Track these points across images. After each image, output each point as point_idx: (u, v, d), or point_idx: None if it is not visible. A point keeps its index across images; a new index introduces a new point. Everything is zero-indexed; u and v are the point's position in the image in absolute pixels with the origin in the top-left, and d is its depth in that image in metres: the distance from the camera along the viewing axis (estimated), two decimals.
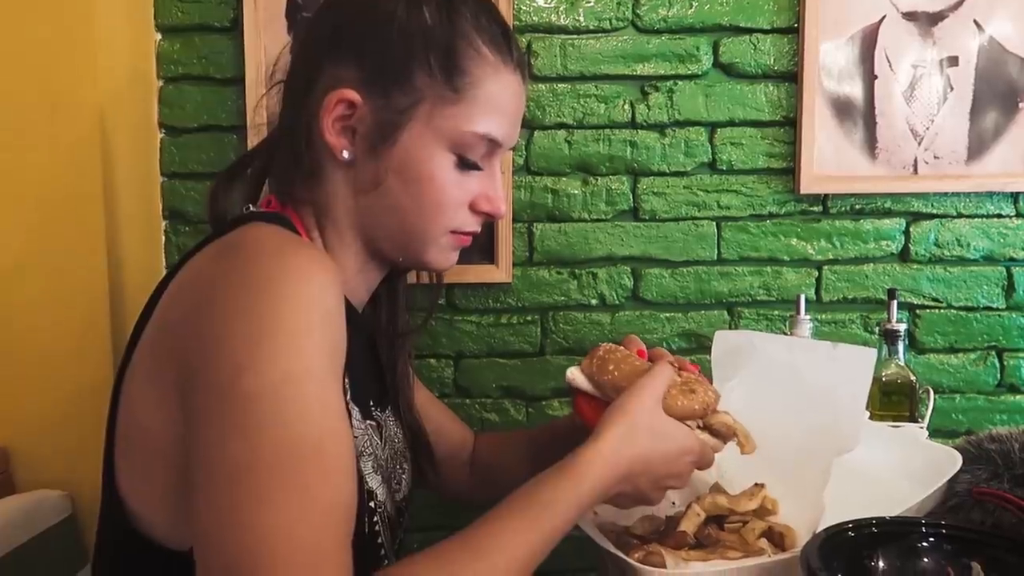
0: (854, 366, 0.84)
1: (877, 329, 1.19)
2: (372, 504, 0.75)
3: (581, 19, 1.33)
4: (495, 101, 0.76)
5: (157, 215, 1.34)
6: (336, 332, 0.63)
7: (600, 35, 1.33)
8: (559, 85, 1.33)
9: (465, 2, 0.76)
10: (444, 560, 0.60)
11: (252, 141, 1.31)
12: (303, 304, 0.60)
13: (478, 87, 0.75)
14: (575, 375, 0.80)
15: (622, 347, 0.82)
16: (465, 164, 0.76)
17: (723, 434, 0.79)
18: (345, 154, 0.75)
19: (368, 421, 0.80)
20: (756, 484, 0.84)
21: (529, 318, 1.37)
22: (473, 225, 0.80)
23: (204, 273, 0.66)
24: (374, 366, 0.88)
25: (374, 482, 0.77)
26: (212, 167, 1.34)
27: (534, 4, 1.33)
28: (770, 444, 0.83)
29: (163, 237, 1.35)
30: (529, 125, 1.33)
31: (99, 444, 1.16)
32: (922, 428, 1.09)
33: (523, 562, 0.63)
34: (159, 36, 1.32)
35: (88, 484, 1.16)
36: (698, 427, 0.77)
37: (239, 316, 0.59)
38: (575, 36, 1.33)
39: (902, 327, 1.15)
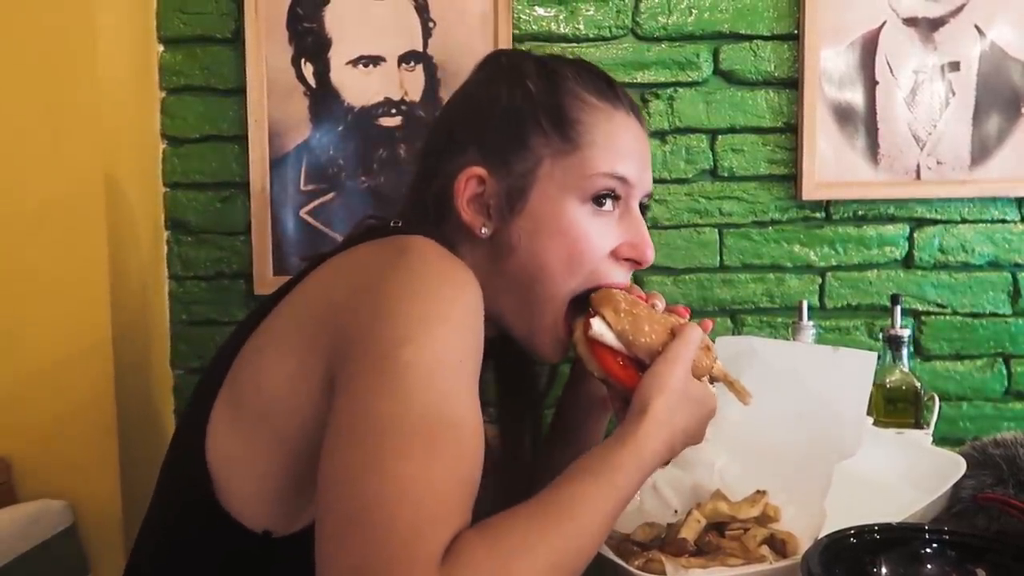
0: (855, 370, 0.83)
1: (881, 335, 1.18)
2: None
3: (581, 27, 1.33)
4: (613, 141, 0.78)
5: (159, 225, 1.35)
6: (481, 341, 0.66)
7: (600, 43, 1.33)
8: None
9: (564, 64, 0.81)
10: (538, 515, 0.61)
11: (253, 151, 1.31)
12: (466, 304, 0.65)
13: (593, 132, 0.78)
14: (602, 330, 0.76)
15: (634, 295, 0.80)
16: (600, 204, 0.77)
17: (719, 380, 0.79)
18: (483, 229, 0.77)
19: None
20: (758, 491, 0.83)
21: None
22: (619, 275, 0.79)
23: (373, 262, 0.69)
24: None
25: None
26: (214, 177, 1.34)
27: (534, 13, 1.33)
28: (772, 450, 0.82)
29: (165, 247, 1.35)
30: None
31: (102, 455, 1.17)
32: (927, 435, 1.08)
33: (606, 523, 0.64)
34: (161, 47, 1.33)
35: (90, 494, 1.16)
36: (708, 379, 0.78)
37: (410, 298, 0.63)
38: (575, 44, 1.33)
39: (906, 333, 1.14)
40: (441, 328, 0.62)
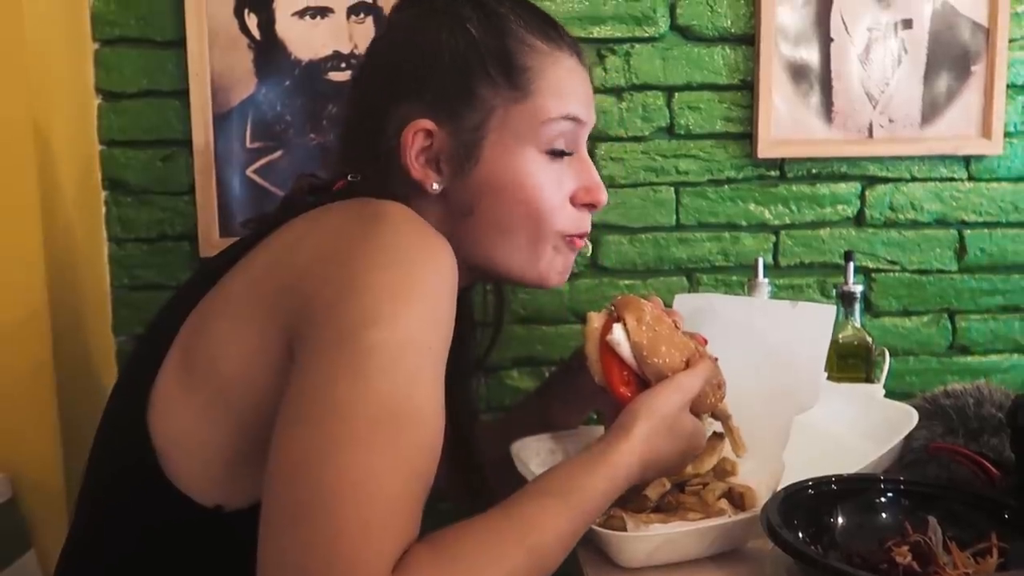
0: (813, 323, 0.84)
1: (834, 292, 1.20)
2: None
3: None
4: (563, 84, 0.76)
5: (96, 185, 1.28)
6: (452, 317, 0.64)
7: None
8: None
9: (502, 4, 0.77)
10: (494, 531, 0.59)
11: (195, 106, 1.25)
12: (436, 281, 0.62)
13: (542, 77, 0.75)
14: (620, 339, 0.74)
15: (665, 312, 0.78)
16: (556, 153, 0.76)
17: (718, 418, 0.79)
18: (435, 185, 0.74)
19: None
20: (715, 433, 0.83)
21: (486, 286, 1.34)
22: (582, 223, 0.78)
23: (343, 228, 0.65)
24: None
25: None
26: (154, 134, 1.28)
27: None
28: (731, 405, 0.83)
29: (103, 208, 1.29)
30: None
31: (41, 425, 1.12)
32: (879, 388, 1.10)
33: (564, 545, 0.63)
34: None
35: (29, 466, 1.11)
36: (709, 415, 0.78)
37: (380, 273, 0.60)
38: None
39: (858, 289, 1.16)
40: (411, 309, 0.59)
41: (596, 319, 0.76)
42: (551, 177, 0.76)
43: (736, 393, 0.82)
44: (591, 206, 0.79)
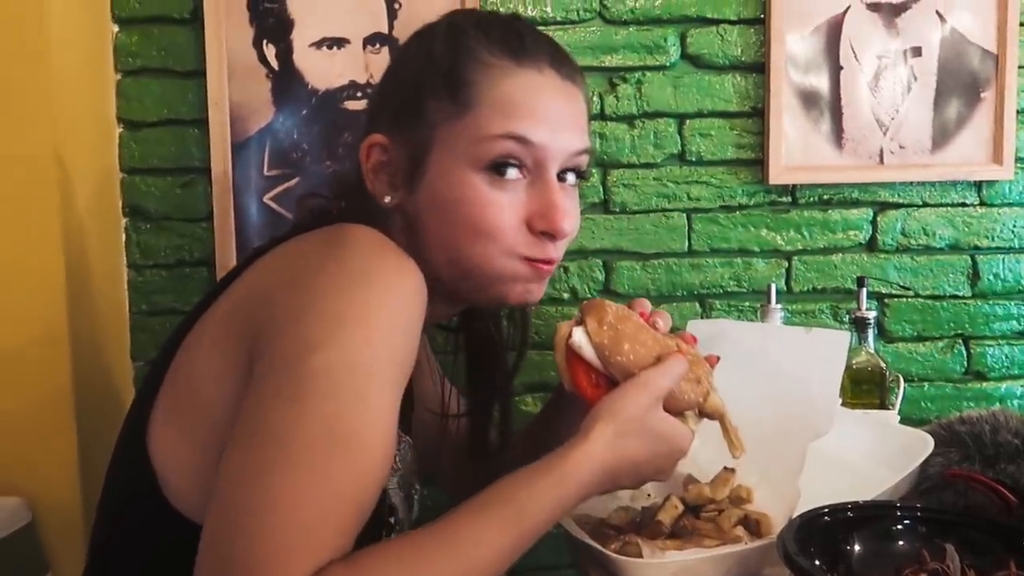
0: (827, 350, 0.84)
1: (847, 318, 1.20)
2: (392, 520, 0.75)
3: (548, 10, 1.32)
4: (511, 100, 0.72)
5: (116, 212, 1.30)
6: (411, 343, 0.64)
7: (568, 26, 1.32)
8: None
9: (474, 22, 0.76)
10: (423, 550, 0.58)
11: (214, 135, 1.28)
12: (391, 306, 0.62)
13: (486, 91, 0.72)
14: (581, 342, 0.70)
15: (629, 308, 0.75)
16: (499, 173, 0.71)
17: (713, 418, 0.75)
18: (387, 199, 0.75)
19: (406, 437, 0.80)
20: (725, 468, 0.83)
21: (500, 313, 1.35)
22: (539, 249, 0.73)
23: (303, 255, 0.67)
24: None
25: (396, 498, 0.76)
26: (173, 162, 1.30)
27: None
28: (744, 431, 0.83)
29: (123, 235, 1.31)
30: None
31: (59, 450, 1.13)
32: (894, 415, 1.09)
33: (502, 560, 0.61)
34: (116, 28, 1.28)
35: (48, 490, 1.12)
36: (694, 414, 0.74)
37: (328, 297, 0.60)
38: (542, 28, 1.31)
39: (872, 315, 1.16)
40: (359, 334, 0.59)
41: (563, 327, 0.73)
42: (495, 198, 0.71)
43: (750, 420, 0.82)
44: (546, 234, 0.73)
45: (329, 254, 0.64)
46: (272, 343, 0.60)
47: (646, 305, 0.80)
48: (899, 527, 0.75)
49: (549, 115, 0.73)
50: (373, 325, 0.60)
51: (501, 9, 1.32)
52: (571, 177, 0.77)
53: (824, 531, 0.73)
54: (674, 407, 0.71)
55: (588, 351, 0.71)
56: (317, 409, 0.56)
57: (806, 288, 1.38)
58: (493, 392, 0.91)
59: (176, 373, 0.69)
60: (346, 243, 0.65)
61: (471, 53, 0.73)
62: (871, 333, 1.15)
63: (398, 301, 0.63)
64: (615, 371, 0.70)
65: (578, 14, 1.32)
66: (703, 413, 0.74)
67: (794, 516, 0.74)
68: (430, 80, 0.73)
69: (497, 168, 0.71)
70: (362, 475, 0.57)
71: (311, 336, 0.58)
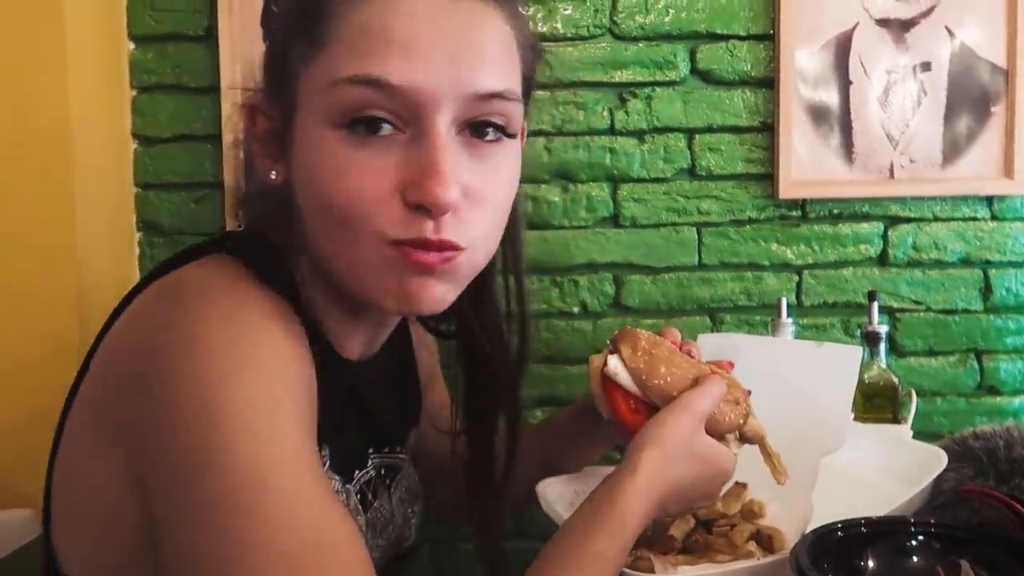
0: (840, 364, 0.83)
1: (859, 332, 1.19)
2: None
3: (559, 27, 1.33)
4: (365, 30, 0.55)
5: (131, 227, 1.32)
6: (303, 396, 0.55)
7: (578, 42, 1.33)
8: (537, 93, 1.32)
9: None
10: None
11: (227, 151, 1.29)
12: (258, 377, 0.52)
13: (342, 24, 0.56)
14: (617, 369, 0.70)
15: (660, 336, 0.75)
16: (359, 130, 0.56)
17: (752, 441, 0.75)
18: (273, 174, 0.62)
19: (350, 485, 0.71)
20: (737, 483, 0.83)
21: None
22: (414, 227, 0.56)
23: (145, 327, 0.57)
24: (374, 414, 0.75)
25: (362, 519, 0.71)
26: (187, 177, 1.32)
27: None
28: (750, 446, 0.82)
29: (137, 249, 1.32)
30: None
31: None
32: (907, 429, 1.09)
33: None
34: (132, 45, 1.30)
35: None
36: (735, 437, 0.74)
37: (187, 398, 0.51)
38: (553, 44, 1.33)
39: (883, 329, 1.15)
40: (235, 429, 0.50)
41: (596, 358, 0.73)
42: (353, 163, 0.55)
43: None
44: (420, 206, 0.56)
45: (168, 323, 0.54)
46: (154, 457, 0.53)
47: (676, 334, 0.78)
48: (913, 543, 0.75)
49: (419, 45, 0.55)
50: (246, 411, 0.51)
51: None
52: (491, 133, 0.59)
53: (837, 547, 0.72)
54: (715, 430, 0.71)
55: (624, 377, 0.71)
56: (236, 536, 0.49)
57: (817, 302, 1.38)
58: (491, 411, 0.81)
59: (62, 469, 0.63)
60: (182, 298, 0.56)
61: None
62: (883, 348, 1.15)
63: (262, 366, 0.53)
64: (653, 395, 0.71)
65: (588, 30, 1.33)
66: (743, 436, 0.74)
67: (807, 531, 0.74)
68: (290, 16, 0.60)
69: (355, 124, 0.55)
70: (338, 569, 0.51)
71: (190, 456, 0.51)
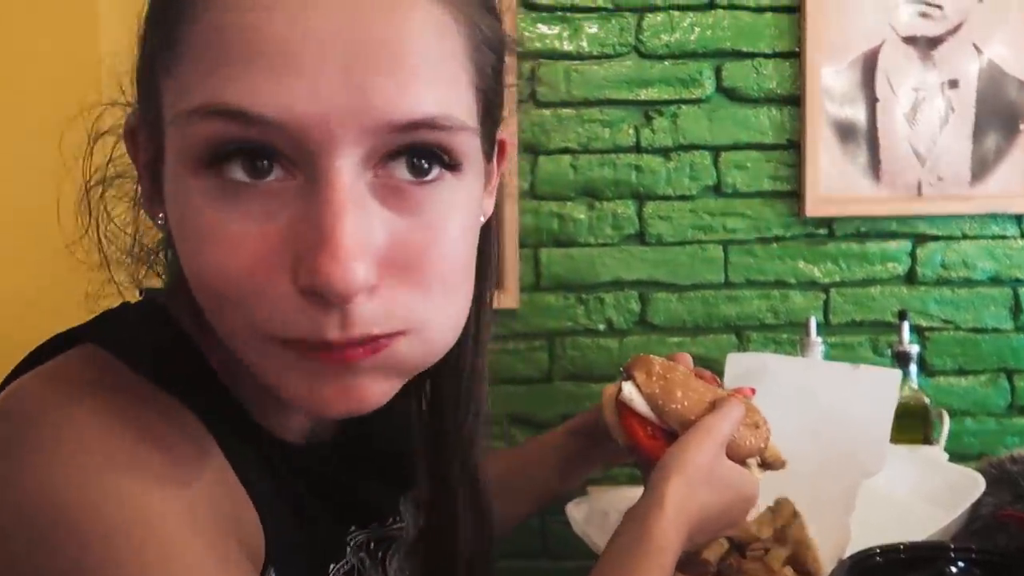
0: (877, 387, 0.82)
1: (888, 351, 1.19)
2: None
3: (585, 45, 1.34)
4: (222, 35, 0.37)
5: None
6: (207, 524, 0.41)
7: (603, 61, 1.34)
8: (563, 110, 1.33)
9: None
10: None
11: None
12: (145, 522, 0.38)
13: (194, 27, 0.38)
14: (632, 395, 0.69)
15: (674, 362, 0.74)
16: (225, 173, 0.37)
17: (773, 467, 0.74)
18: (160, 216, 0.45)
19: (398, 520, 0.63)
20: (777, 500, 0.82)
21: (536, 344, 1.35)
22: (311, 322, 0.38)
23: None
24: (345, 492, 0.59)
25: None
26: None
27: (537, 30, 1.33)
28: (790, 468, 0.82)
29: None
30: (534, 150, 1.33)
31: None
32: (941, 451, 1.07)
33: None
34: None
35: None
36: (757, 463, 0.73)
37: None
38: (579, 62, 1.33)
39: (915, 349, 1.14)
40: None
41: (610, 387, 0.72)
42: (224, 223, 0.38)
43: (794, 455, 0.81)
44: (312, 290, 0.37)
45: (28, 479, 0.39)
46: None
47: (689, 360, 0.76)
48: (953, 569, 0.73)
49: (298, 52, 0.36)
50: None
51: (538, 45, 1.33)
52: (426, 167, 0.40)
53: (877, 572, 0.72)
54: (736, 454, 0.69)
55: (640, 404, 0.69)
56: None
57: (844, 321, 1.37)
58: (453, 448, 0.62)
59: None
60: (23, 451, 0.40)
61: None
62: (914, 368, 1.14)
63: (146, 505, 0.39)
64: (671, 420, 0.69)
65: (614, 49, 1.34)
66: (764, 461, 0.73)
67: (844, 556, 0.73)
68: (152, 7, 0.43)
69: (220, 166, 0.37)
70: None
71: None
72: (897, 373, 0.83)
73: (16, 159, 1.13)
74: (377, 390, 0.41)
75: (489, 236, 0.51)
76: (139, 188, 0.48)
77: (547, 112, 1.33)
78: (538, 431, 1.35)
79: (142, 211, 0.49)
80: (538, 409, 1.36)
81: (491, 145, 0.48)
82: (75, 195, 0.50)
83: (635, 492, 0.96)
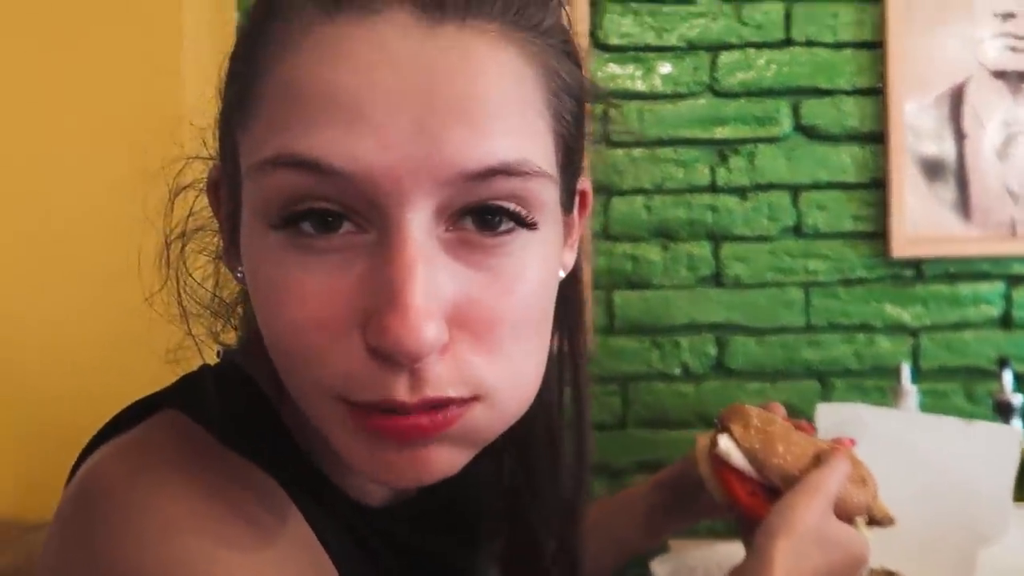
0: (994, 446, 0.77)
1: (989, 401, 1.12)
2: None
3: (658, 84, 1.32)
4: (295, 89, 0.37)
5: None
6: None
7: (677, 100, 1.31)
8: (636, 151, 1.31)
9: None
10: None
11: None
12: None
13: (268, 80, 0.38)
14: (729, 449, 0.66)
15: (772, 413, 0.70)
16: (297, 230, 0.37)
17: (881, 524, 0.70)
18: (239, 271, 0.44)
19: None
20: (887, 572, 0.77)
21: (610, 388, 1.32)
22: (379, 384, 0.36)
23: (56, 550, 0.41)
24: (426, 556, 0.57)
25: None
26: None
27: (609, 70, 1.32)
28: (899, 529, 0.76)
29: None
30: (607, 190, 1.31)
31: None
32: None
33: None
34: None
35: None
36: (864, 520, 0.69)
37: None
38: (652, 101, 1.31)
39: (1018, 399, 1.07)
40: None
41: (703, 437, 0.68)
42: (296, 279, 0.37)
43: (902, 519, 0.76)
44: (380, 352, 0.36)
45: (90, 560, 0.39)
46: None
47: (782, 410, 0.71)
48: None
49: (371, 104, 0.35)
50: None
51: (610, 85, 1.32)
52: (501, 222, 0.38)
53: None
54: (844, 512, 0.65)
55: (738, 458, 0.66)
56: None
57: (935, 367, 1.30)
58: (546, 517, 0.61)
59: None
60: (103, 533, 0.39)
61: (277, 13, 0.39)
62: (1019, 419, 1.07)
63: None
64: (772, 475, 0.66)
65: (688, 87, 1.31)
66: (872, 518, 0.68)
67: None
68: (231, 63, 0.43)
69: (293, 222, 0.37)
70: None
71: None
72: (1017, 431, 0.78)
73: (100, 213, 1.15)
74: (445, 459, 0.39)
75: (575, 285, 0.50)
76: (220, 241, 0.48)
77: (620, 152, 1.31)
78: (612, 478, 1.31)
79: (222, 265, 0.50)
80: (612, 456, 1.31)
81: (571, 196, 0.46)
82: (156, 249, 0.51)
83: (723, 548, 0.92)
